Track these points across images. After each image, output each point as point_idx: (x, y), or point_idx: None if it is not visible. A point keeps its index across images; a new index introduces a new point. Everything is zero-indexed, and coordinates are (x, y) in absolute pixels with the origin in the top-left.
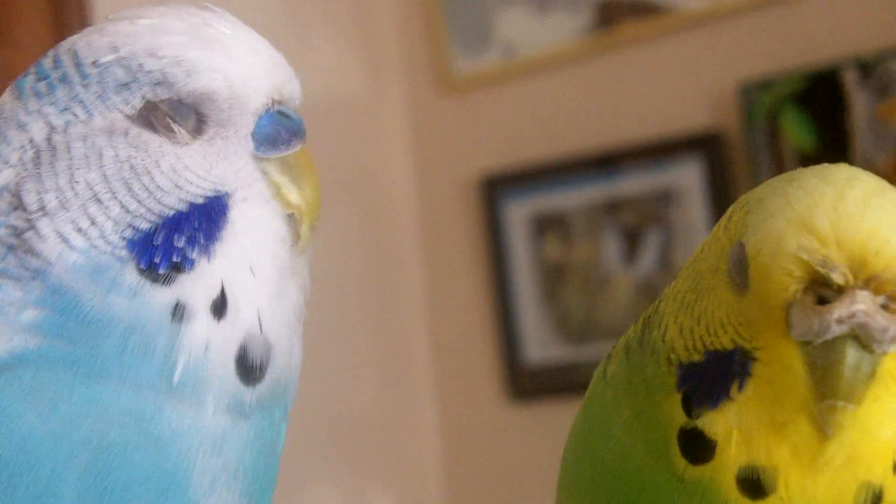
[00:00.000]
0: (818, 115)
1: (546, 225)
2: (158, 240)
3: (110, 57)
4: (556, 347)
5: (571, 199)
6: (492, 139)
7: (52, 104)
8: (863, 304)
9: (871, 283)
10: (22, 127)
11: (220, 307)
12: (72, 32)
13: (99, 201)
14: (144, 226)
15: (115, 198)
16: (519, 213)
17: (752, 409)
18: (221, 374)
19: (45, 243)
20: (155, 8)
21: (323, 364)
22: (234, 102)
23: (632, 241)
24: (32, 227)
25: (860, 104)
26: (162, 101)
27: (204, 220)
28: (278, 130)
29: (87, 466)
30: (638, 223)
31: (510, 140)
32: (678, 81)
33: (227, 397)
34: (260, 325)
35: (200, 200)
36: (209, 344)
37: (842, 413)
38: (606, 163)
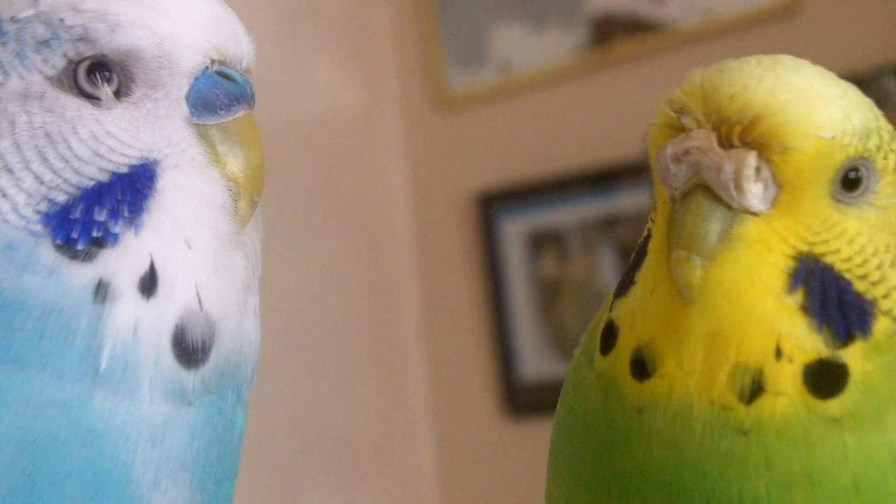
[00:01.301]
0: None
1: (542, 241)
2: (76, 213)
3: (30, 11)
4: (551, 364)
5: (568, 215)
6: (488, 156)
7: None
8: (697, 140)
9: (722, 126)
10: None
11: (149, 284)
12: None
13: (10, 172)
14: (61, 198)
15: (28, 168)
16: (515, 230)
17: (641, 286)
18: (155, 357)
19: None
20: None
21: (319, 380)
22: (162, 62)
23: (628, 258)
24: None
25: None
26: (84, 59)
27: (128, 190)
28: (215, 94)
29: (11, 462)
30: (634, 240)
31: (506, 157)
32: None
33: (164, 382)
34: (199, 301)
35: (125, 170)
36: (138, 325)
37: (688, 266)
38: (603, 179)
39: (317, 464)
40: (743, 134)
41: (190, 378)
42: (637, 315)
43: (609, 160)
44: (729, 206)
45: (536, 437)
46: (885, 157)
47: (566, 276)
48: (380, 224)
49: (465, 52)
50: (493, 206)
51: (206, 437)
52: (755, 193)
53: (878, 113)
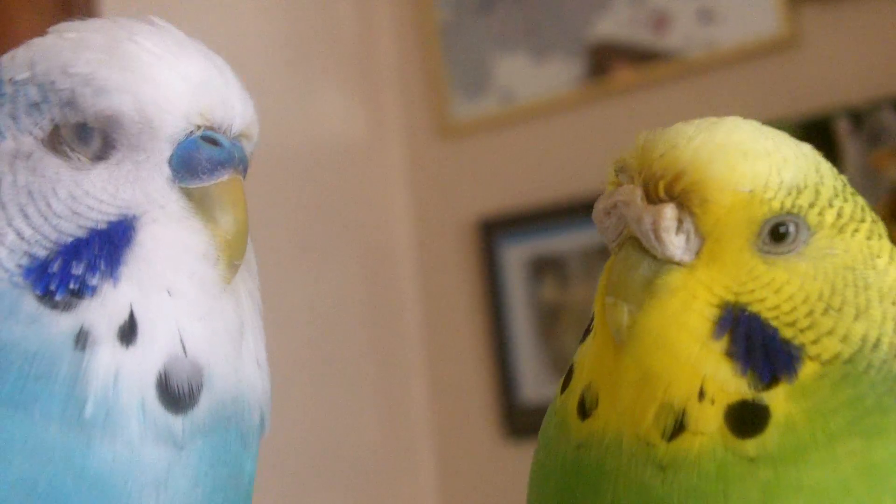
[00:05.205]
0: None
1: (543, 267)
2: (54, 268)
3: (26, 74)
4: (551, 387)
5: (568, 242)
6: (489, 183)
7: None
8: (623, 195)
9: (650, 182)
10: None
11: (128, 332)
12: None
13: None
14: (41, 253)
15: (10, 225)
16: (516, 256)
17: (593, 332)
18: (140, 403)
19: None
20: (94, 21)
21: (321, 402)
22: (143, 126)
23: None
24: None
25: (853, 153)
26: (67, 124)
27: (106, 245)
28: (197, 158)
29: None
30: None
31: (508, 184)
32: None
33: (154, 427)
34: (183, 347)
35: (103, 226)
36: (119, 372)
37: (616, 311)
38: None
39: (318, 484)
40: (668, 188)
41: (179, 422)
42: (585, 358)
43: None
44: (655, 257)
45: None
46: (821, 213)
47: (566, 302)
48: (382, 249)
49: (467, 81)
50: (494, 232)
51: (210, 483)
52: (677, 244)
53: (826, 171)
